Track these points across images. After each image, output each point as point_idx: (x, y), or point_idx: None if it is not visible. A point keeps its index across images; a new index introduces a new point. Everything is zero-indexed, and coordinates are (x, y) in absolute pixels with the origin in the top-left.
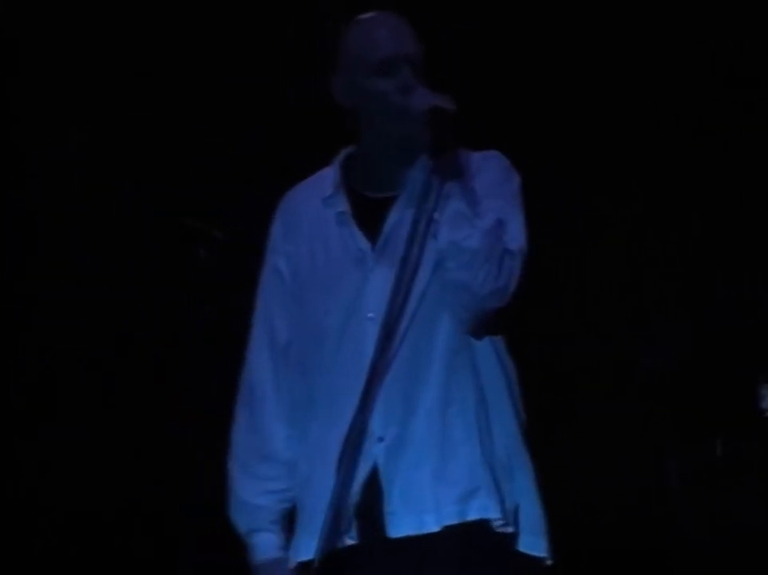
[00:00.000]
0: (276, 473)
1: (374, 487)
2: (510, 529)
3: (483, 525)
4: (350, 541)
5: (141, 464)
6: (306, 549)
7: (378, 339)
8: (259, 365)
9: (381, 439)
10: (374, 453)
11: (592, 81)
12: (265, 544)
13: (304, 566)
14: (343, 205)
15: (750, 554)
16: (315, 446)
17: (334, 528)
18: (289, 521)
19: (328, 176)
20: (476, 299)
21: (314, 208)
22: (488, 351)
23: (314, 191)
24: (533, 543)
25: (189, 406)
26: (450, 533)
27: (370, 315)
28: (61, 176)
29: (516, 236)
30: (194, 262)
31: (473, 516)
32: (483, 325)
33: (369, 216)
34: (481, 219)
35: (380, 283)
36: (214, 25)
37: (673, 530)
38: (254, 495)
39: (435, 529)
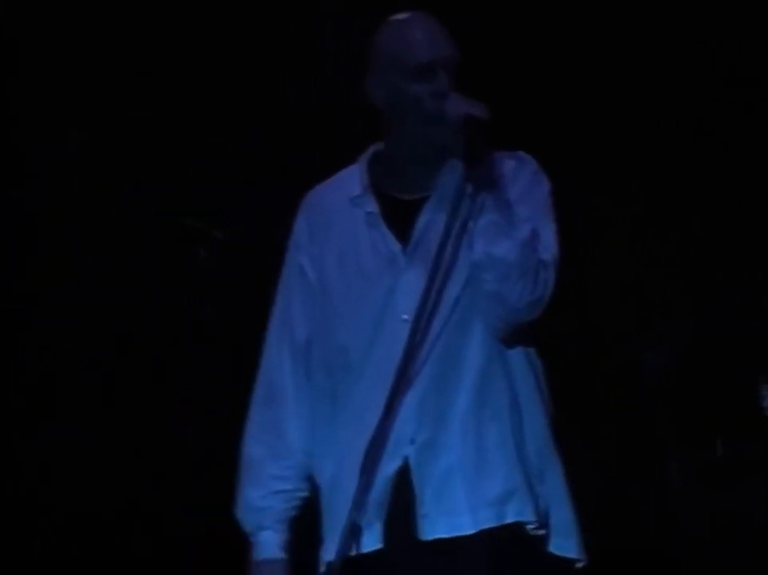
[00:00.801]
0: (287, 473)
1: (403, 489)
2: (542, 532)
3: (519, 528)
4: (374, 545)
5: (141, 464)
6: (331, 550)
7: (407, 342)
8: (279, 363)
9: (413, 441)
10: (404, 454)
11: (592, 81)
12: (267, 542)
13: (331, 567)
14: (372, 206)
15: (752, 555)
16: (343, 448)
17: (354, 530)
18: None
19: (354, 175)
20: (512, 311)
21: (341, 207)
22: (521, 356)
23: (340, 190)
24: (565, 545)
25: (189, 406)
26: (486, 536)
27: (405, 317)
28: (61, 175)
29: (549, 246)
30: (194, 262)
31: (510, 519)
32: (516, 335)
33: (398, 217)
34: (517, 230)
35: (413, 285)
36: (214, 24)
37: (674, 531)
38: (262, 496)
39: (471, 531)
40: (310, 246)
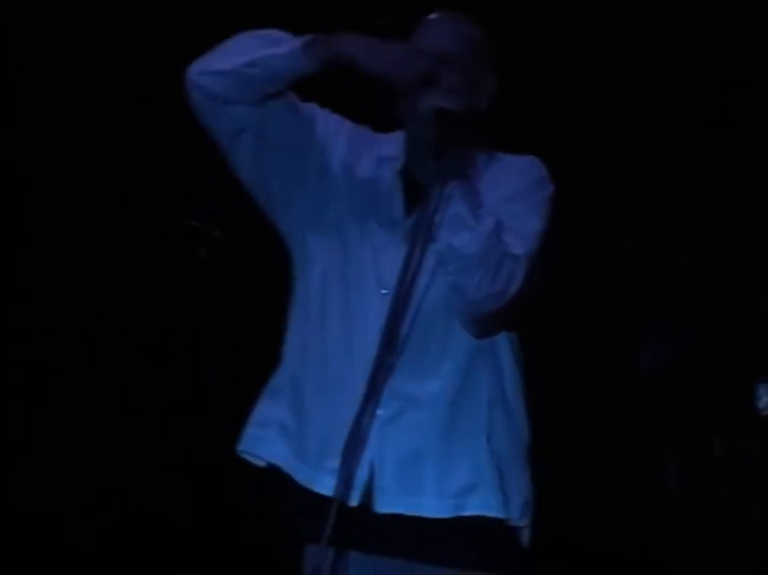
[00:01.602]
0: None
1: (368, 459)
2: (520, 524)
3: (478, 521)
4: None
5: (141, 465)
6: (312, 478)
7: (387, 319)
8: None
9: (375, 415)
10: (371, 426)
11: (597, 97)
12: None
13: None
14: (397, 173)
15: (750, 555)
16: (319, 398)
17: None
18: None
19: (393, 140)
20: (470, 302)
21: (371, 158)
22: (510, 353)
23: (373, 143)
24: (527, 537)
25: (189, 406)
26: (443, 524)
27: (384, 291)
28: (61, 176)
29: (525, 240)
30: (194, 262)
31: (469, 511)
32: (483, 327)
33: (412, 195)
34: (480, 222)
35: (399, 262)
36: (213, 24)
37: (672, 530)
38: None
39: (431, 515)
40: (344, 143)
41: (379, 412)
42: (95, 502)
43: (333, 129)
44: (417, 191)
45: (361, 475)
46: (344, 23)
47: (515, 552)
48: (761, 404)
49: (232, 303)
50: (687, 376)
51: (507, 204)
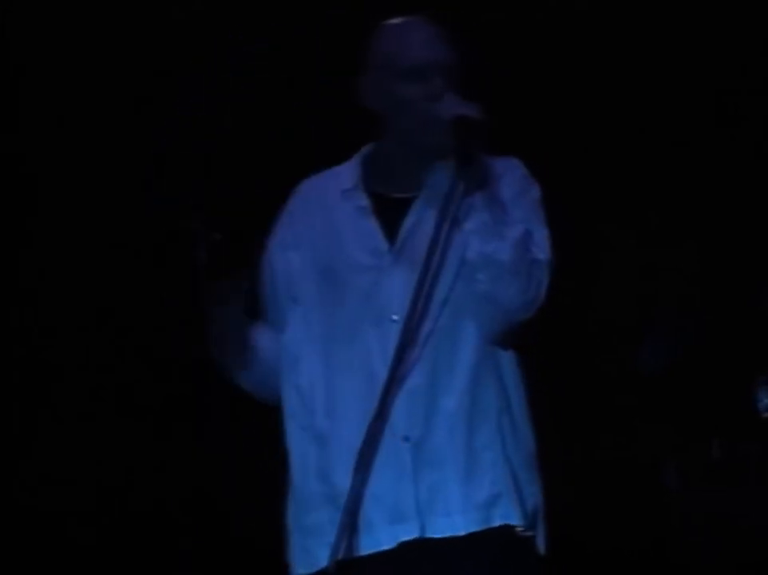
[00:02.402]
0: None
1: (401, 488)
2: (530, 533)
3: (505, 531)
4: (377, 546)
5: (141, 465)
6: (317, 558)
7: (399, 342)
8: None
9: (407, 439)
10: (400, 452)
11: (597, 97)
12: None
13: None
14: (363, 201)
15: (749, 556)
16: (332, 441)
17: (351, 532)
18: None
19: (347, 171)
20: (505, 311)
21: (331, 199)
22: (511, 358)
23: (332, 182)
24: (542, 544)
25: (189, 407)
26: (474, 539)
27: (395, 317)
28: (61, 176)
29: (542, 246)
30: (193, 263)
31: (497, 522)
32: (510, 336)
33: (387, 214)
34: (509, 230)
35: (401, 285)
36: (214, 25)
37: (671, 532)
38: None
39: (462, 532)
40: (285, 231)
41: (408, 435)
42: (95, 502)
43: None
44: (391, 211)
45: (408, 504)
46: (344, 23)
47: (536, 560)
48: (762, 406)
49: None
50: (687, 377)
51: (511, 211)
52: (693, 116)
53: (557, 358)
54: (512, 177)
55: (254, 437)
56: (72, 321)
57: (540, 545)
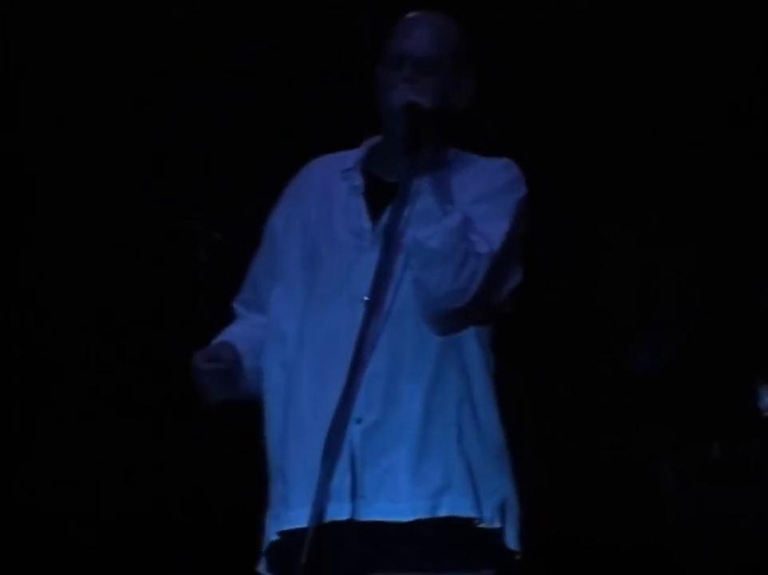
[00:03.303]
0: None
1: (349, 470)
2: (495, 525)
3: (453, 521)
4: (295, 523)
5: (141, 465)
6: (291, 518)
7: (362, 323)
8: (241, 289)
9: (359, 421)
10: (350, 434)
11: (597, 97)
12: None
13: (290, 534)
14: (357, 181)
15: (747, 556)
16: (294, 420)
17: (320, 506)
18: None
19: (352, 155)
20: (431, 298)
21: (331, 177)
22: (476, 348)
23: (336, 163)
24: (513, 537)
25: (189, 409)
26: (420, 526)
27: (365, 298)
28: (61, 176)
29: (491, 239)
30: (194, 264)
31: (443, 512)
32: (444, 324)
33: (377, 196)
34: (447, 217)
35: (374, 266)
36: (214, 25)
37: (670, 532)
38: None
39: (408, 518)
40: (290, 206)
41: (361, 418)
42: (95, 502)
43: (277, 226)
44: (382, 194)
45: (345, 485)
46: (344, 23)
47: (490, 553)
48: (762, 404)
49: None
50: (686, 377)
51: (475, 205)
52: (693, 117)
53: (556, 358)
54: (498, 176)
55: (254, 437)
56: (72, 321)
57: (510, 539)
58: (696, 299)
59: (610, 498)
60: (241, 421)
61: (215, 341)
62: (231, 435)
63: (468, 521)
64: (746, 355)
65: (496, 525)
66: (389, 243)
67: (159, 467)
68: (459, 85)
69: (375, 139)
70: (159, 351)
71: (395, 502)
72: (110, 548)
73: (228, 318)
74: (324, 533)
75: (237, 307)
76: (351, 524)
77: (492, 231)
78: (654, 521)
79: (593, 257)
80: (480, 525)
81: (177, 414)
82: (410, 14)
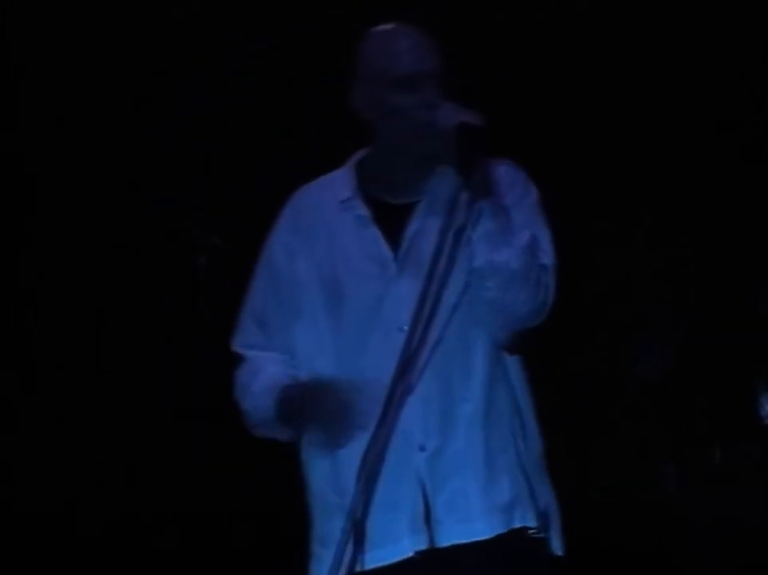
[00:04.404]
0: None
1: (415, 498)
2: (542, 535)
3: (524, 532)
4: (388, 558)
5: (141, 464)
6: (369, 558)
7: (403, 350)
8: (242, 331)
9: (423, 448)
10: (415, 462)
11: (592, 96)
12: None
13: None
14: (362, 209)
15: (749, 558)
16: (341, 457)
17: (356, 544)
18: None
19: (341, 178)
20: (514, 319)
21: (330, 209)
22: (517, 361)
23: (328, 191)
24: (558, 545)
25: (189, 413)
26: (499, 541)
27: (404, 327)
28: (61, 176)
29: (547, 250)
30: (193, 270)
31: (517, 524)
32: (519, 342)
33: (388, 222)
34: (516, 237)
35: (407, 294)
36: (214, 25)
37: (672, 534)
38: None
39: (487, 536)
40: (288, 238)
41: (424, 445)
42: (95, 502)
43: (276, 252)
44: (394, 219)
45: (418, 514)
46: (344, 23)
47: (549, 560)
48: (763, 412)
49: (231, 310)
50: (687, 379)
51: (513, 215)
52: (687, 116)
53: (557, 361)
54: (512, 181)
55: (254, 437)
56: (72, 321)
57: (556, 546)
58: (690, 299)
59: (614, 499)
60: (241, 428)
61: (282, 386)
62: (231, 442)
63: (533, 531)
64: (748, 359)
65: (547, 533)
66: (435, 269)
67: (159, 467)
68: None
69: (359, 157)
70: (159, 351)
71: (471, 522)
72: (110, 548)
73: (227, 322)
74: (406, 567)
75: (246, 351)
76: (432, 552)
77: (544, 241)
78: (656, 522)
79: (586, 256)
80: (539, 535)
81: (177, 414)
82: (382, 29)
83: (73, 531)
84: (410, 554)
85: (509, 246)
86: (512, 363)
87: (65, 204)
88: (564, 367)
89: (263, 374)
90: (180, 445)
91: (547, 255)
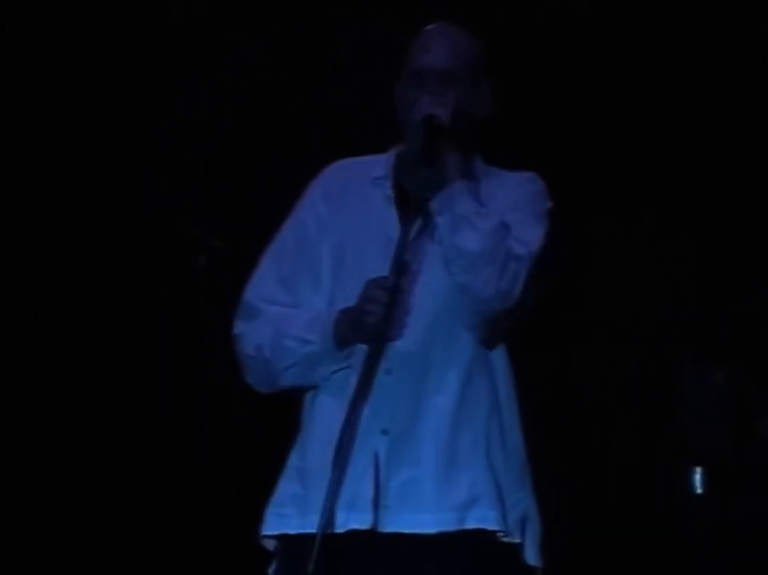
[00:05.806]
0: None
1: (372, 479)
2: (516, 540)
3: (480, 534)
4: (339, 530)
5: (141, 465)
6: (306, 523)
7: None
8: (264, 286)
9: (385, 432)
10: (374, 444)
11: (593, 95)
12: None
13: (292, 539)
14: (390, 190)
15: (754, 560)
16: (320, 422)
17: (329, 514)
18: None
19: (381, 161)
20: (478, 301)
21: (361, 185)
22: (503, 359)
23: (364, 169)
24: (533, 553)
25: (189, 413)
26: (446, 538)
27: None
28: (61, 176)
29: (528, 241)
30: (193, 271)
31: (471, 525)
32: (493, 333)
33: (406, 210)
34: (483, 222)
35: None
36: (214, 25)
37: (687, 535)
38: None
39: (432, 530)
40: (320, 207)
41: (387, 429)
42: (95, 502)
43: (307, 218)
44: (409, 208)
45: (368, 495)
46: (344, 23)
47: (514, 568)
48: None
49: (231, 310)
50: (686, 379)
51: (507, 213)
52: (687, 116)
53: (552, 359)
54: (524, 188)
55: (254, 436)
56: (72, 321)
57: (530, 555)
58: (690, 299)
59: (611, 501)
60: (241, 420)
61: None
62: (230, 443)
63: (494, 535)
64: (745, 358)
65: (517, 539)
66: (401, 257)
67: (159, 467)
68: (478, 95)
69: (401, 147)
70: (159, 352)
71: (420, 513)
72: (110, 548)
73: (227, 322)
74: (342, 542)
75: (264, 305)
76: (372, 534)
77: (528, 235)
78: (655, 524)
79: (586, 255)
80: (505, 539)
81: (177, 414)
82: (427, 28)
83: (73, 531)
84: (342, 531)
85: (473, 229)
86: (499, 365)
87: (65, 204)
88: (564, 367)
89: (300, 313)
90: (180, 445)
91: (525, 245)
